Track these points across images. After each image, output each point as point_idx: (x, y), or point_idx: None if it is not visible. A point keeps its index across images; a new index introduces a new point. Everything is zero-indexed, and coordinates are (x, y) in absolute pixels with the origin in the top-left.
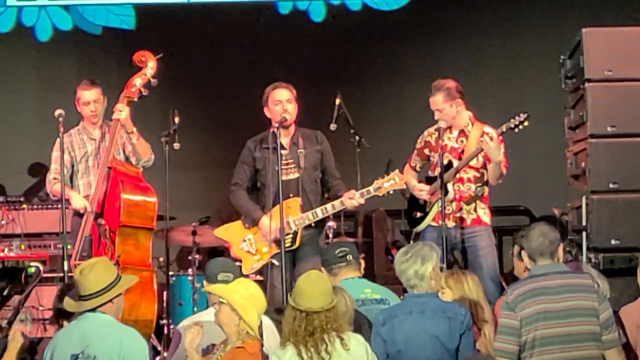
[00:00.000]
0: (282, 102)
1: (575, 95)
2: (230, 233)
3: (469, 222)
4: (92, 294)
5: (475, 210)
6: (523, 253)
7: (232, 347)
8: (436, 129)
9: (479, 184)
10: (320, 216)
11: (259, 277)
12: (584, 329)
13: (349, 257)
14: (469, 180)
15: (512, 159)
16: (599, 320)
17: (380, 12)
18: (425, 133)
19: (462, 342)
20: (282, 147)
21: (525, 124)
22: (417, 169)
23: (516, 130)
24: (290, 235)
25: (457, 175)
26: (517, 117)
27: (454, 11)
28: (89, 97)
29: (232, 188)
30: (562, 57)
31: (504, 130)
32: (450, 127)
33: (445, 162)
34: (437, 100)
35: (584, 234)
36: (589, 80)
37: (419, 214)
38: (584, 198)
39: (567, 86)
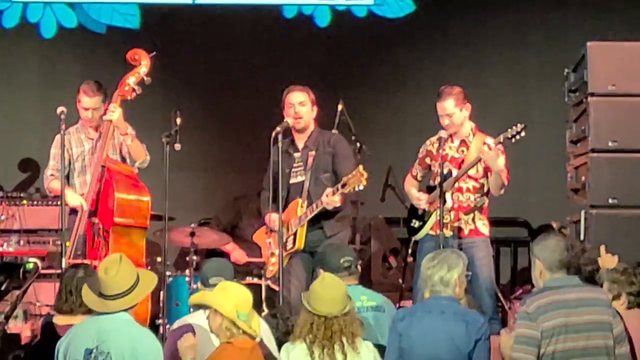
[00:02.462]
0: (294, 105)
1: (578, 109)
2: (259, 238)
3: (466, 232)
4: (117, 295)
5: (473, 220)
6: (538, 262)
7: (228, 338)
8: (438, 138)
9: (479, 195)
10: (310, 215)
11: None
12: (600, 343)
13: (353, 267)
14: (468, 190)
15: (512, 171)
16: (613, 334)
17: (385, 19)
18: (427, 142)
19: (476, 348)
20: (296, 150)
21: (523, 134)
22: (419, 178)
23: (513, 140)
24: (291, 237)
25: (457, 185)
26: (514, 127)
27: (459, 21)
28: (89, 104)
29: (261, 192)
30: (566, 70)
31: (502, 140)
32: (451, 137)
33: (445, 171)
34: (448, 105)
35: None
36: (593, 95)
37: (417, 223)
38: (583, 212)
39: (570, 99)
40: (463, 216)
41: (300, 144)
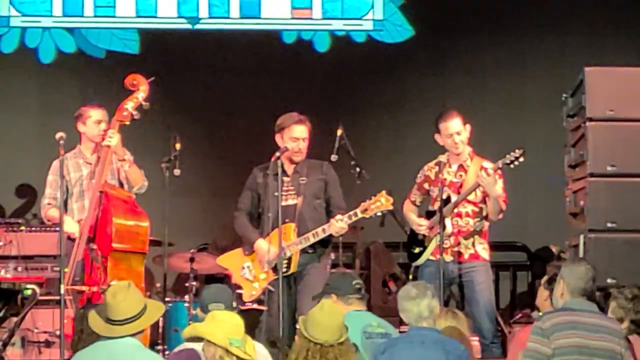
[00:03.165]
0: (299, 140)
1: (576, 134)
2: (232, 261)
3: (466, 256)
4: (124, 320)
5: (473, 245)
6: (562, 284)
7: None
8: (436, 163)
9: (478, 219)
10: (312, 240)
11: (258, 306)
12: None
13: (363, 290)
14: (467, 214)
15: (510, 195)
16: None
17: (384, 45)
18: (425, 167)
19: None
20: (285, 174)
21: (521, 159)
22: (417, 203)
23: (512, 166)
24: (285, 261)
25: (456, 210)
26: (512, 153)
27: (458, 46)
28: (100, 116)
29: (235, 213)
30: (564, 95)
31: (500, 165)
32: (449, 162)
33: (444, 196)
34: (457, 123)
35: None
36: (591, 119)
37: (418, 249)
38: (581, 236)
39: (569, 124)
40: (463, 241)
41: (289, 170)
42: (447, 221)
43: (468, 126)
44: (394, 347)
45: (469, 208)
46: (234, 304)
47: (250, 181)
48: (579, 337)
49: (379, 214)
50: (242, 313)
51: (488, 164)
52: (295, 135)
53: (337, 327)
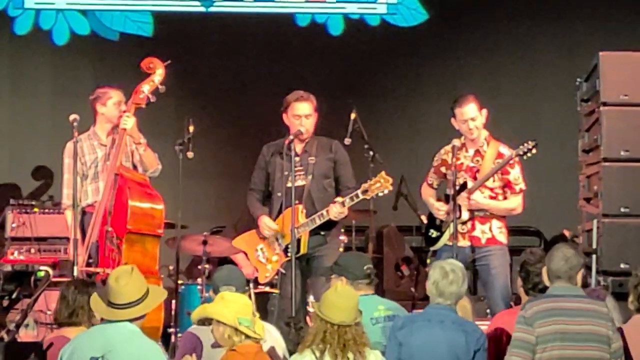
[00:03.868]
0: (301, 117)
1: (590, 119)
2: (247, 242)
3: (483, 241)
4: (126, 304)
5: (490, 229)
6: (543, 270)
7: (230, 346)
8: (452, 146)
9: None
10: (318, 222)
11: (270, 289)
12: (595, 354)
13: (373, 275)
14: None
15: (524, 180)
16: (610, 348)
17: (398, 28)
18: (442, 151)
19: (475, 358)
20: (295, 154)
21: (534, 151)
22: (435, 186)
23: (525, 157)
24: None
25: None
26: (526, 144)
27: (472, 30)
28: (120, 96)
29: (247, 192)
30: (578, 79)
31: (513, 157)
32: (465, 146)
33: (461, 181)
34: (472, 108)
35: (593, 257)
36: (605, 104)
37: (435, 233)
38: (595, 221)
39: (583, 109)
40: (480, 225)
41: (298, 149)
42: (464, 209)
43: (484, 111)
44: (413, 324)
45: (487, 193)
46: (246, 287)
47: (260, 159)
48: (560, 324)
49: (380, 194)
50: (255, 295)
51: (504, 149)
52: (296, 112)
53: (353, 307)
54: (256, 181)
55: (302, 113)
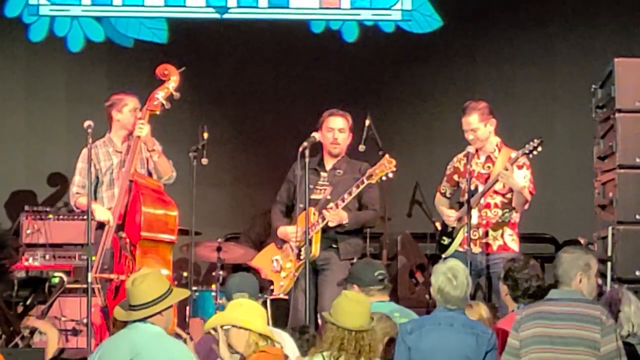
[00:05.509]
0: (334, 130)
1: (605, 125)
2: (264, 258)
3: (495, 248)
4: (142, 305)
5: (502, 236)
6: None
7: (255, 351)
8: (465, 154)
9: (506, 210)
10: (319, 226)
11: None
12: (578, 358)
13: (386, 281)
14: (495, 205)
15: (538, 186)
16: (600, 352)
17: (413, 35)
18: (455, 159)
19: (486, 358)
20: (324, 170)
21: (539, 149)
22: (448, 195)
23: (530, 155)
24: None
25: (484, 201)
26: (531, 143)
27: (487, 36)
28: (136, 102)
29: (273, 204)
30: (593, 86)
31: (520, 156)
32: (477, 153)
33: (472, 187)
34: (473, 120)
35: (608, 264)
36: (620, 111)
37: (447, 240)
38: (610, 228)
39: (598, 115)
40: (492, 232)
41: (328, 165)
42: (474, 212)
43: (493, 120)
44: (422, 328)
45: (497, 199)
46: (259, 294)
47: (290, 172)
48: (541, 327)
49: (384, 178)
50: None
51: (515, 155)
52: (330, 125)
53: (367, 312)
54: (282, 194)
55: (335, 126)
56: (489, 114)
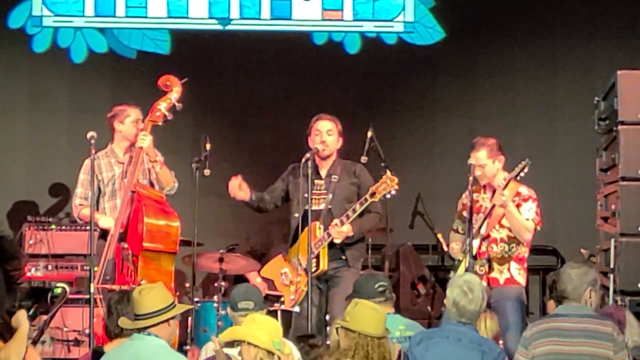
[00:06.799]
0: (321, 132)
1: (608, 137)
2: (272, 269)
3: (502, 281)
4: (149, 314)
5: (508, 269)
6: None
7: None
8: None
9: (513, 244)
10: (325, 242)
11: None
12: None
13: (388, 292)
14: (502, 240)
15: (541, 198)
16: None
17: (415, 47)
18: (463, 195)
19: None
20: (319, 177)
21: (526, 170)
22: (460, 231)
23: (518, 178)
24: (314, 259)
25: (485, 232)
26: (519, 165)
27: (489, 48)
28: (138, 114)
29: None
30: (596, 98)
31: (508, 180)
32: (485, 188)
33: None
34: (481, 156)
35: (611, 276)
36: (622, 123)
37: (452, 274)
38: (612, 240)
39: (600, 128)
40: (497, 266)
41: (323, 172)
42: (475, 242)
43: (502, 157)
44: (429, 340)
45: (504, 233)
46: (264, 304)
47: (284, 174)
48: (553, 344)
49: (388, 195)
50: (271, 313)
51: (524, 190)
52: (318, 128)
53: (385, 319)
54: (270, 187)
55: (322, 129)
56: (498, 150)
